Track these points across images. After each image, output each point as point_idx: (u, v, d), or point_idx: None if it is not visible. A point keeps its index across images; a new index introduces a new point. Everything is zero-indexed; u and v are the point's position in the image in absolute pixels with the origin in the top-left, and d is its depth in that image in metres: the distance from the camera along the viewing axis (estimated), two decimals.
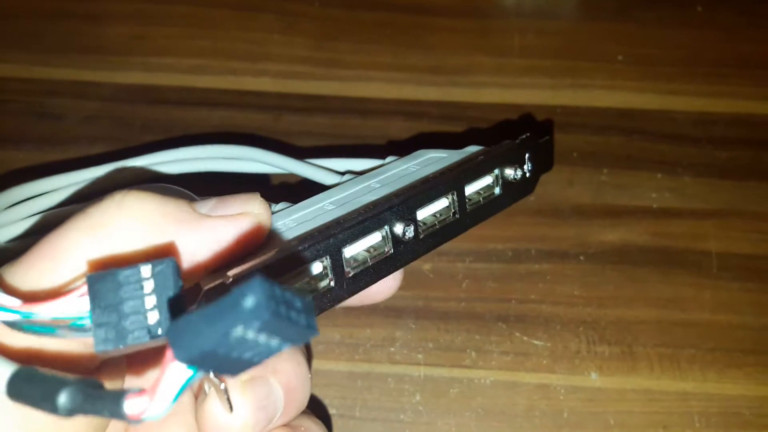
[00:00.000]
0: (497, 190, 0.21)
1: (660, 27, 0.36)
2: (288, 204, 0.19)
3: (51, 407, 0.11)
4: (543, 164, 0.23)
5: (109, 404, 0.11)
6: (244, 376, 0.15)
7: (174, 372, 0.11)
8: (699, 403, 0.26)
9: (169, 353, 0.11)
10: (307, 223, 0.17)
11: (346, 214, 0.17)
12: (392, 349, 0.27)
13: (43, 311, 0.12)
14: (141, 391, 0.11)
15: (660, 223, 0.30)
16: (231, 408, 0.15)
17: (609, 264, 0.29)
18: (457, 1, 0.37)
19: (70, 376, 0.11)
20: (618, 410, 0.26)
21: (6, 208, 0.24)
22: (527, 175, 0.22)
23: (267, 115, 0.32)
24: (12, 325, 0.13)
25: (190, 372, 0.12)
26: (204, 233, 0.15)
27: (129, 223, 0.14)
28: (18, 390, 0.11)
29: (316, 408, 0.25)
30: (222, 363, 0.11)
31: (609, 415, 0.26)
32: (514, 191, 0.21)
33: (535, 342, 0.27)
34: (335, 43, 0.35)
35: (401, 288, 0.27)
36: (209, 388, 0.15)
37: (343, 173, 0.25)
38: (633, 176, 0.31)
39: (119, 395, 0.11)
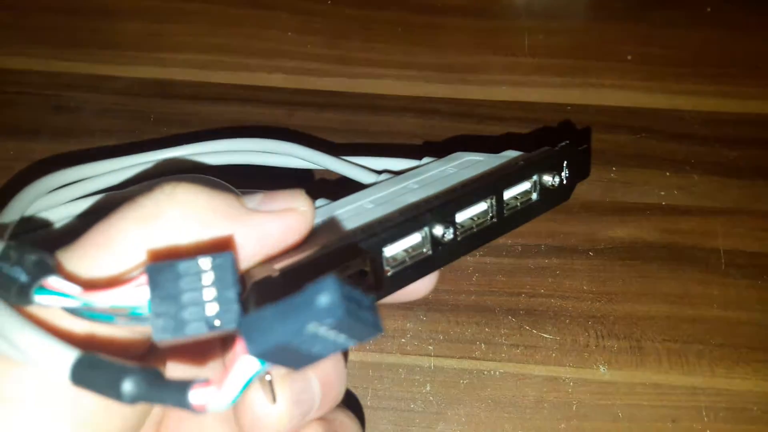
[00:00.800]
0: (534, 196, 0.21)
1: (669, 27, 0.36)
2: (327, 201, 0.19)
3: (115, 394, 0.11)
4: (580, 172, 0.23)
5: (174, 393, 0.11)
6: (284, 370, 0.15)
7: (244, 365, 0.12)
8: (707, 398, 0.26)
9: (239, 346, 0.11)
10: (347, 221, 0.18)
11: (387, 214, 0.18)
12: (403, 340, 0.27)
13: (103, 299, 0.13)
14: (207, 382, 0.11)
15: (669, 220, 0.30)
16: (274, 399, 0.15)
17: (618, 260, 0.29)
18: (468, 0, 0.37)
19: (131, 364, 0.11)
20: (626, 403, 0.26)
21: (50, 192, 0.25)
22: (564, 182, 0.22)
23: (280, 111, 0.33)
24: (73, 311, 0.13)
25: (257, 365, 0.12)
26: (251, 228, 0.15)
27: (180, 214, 0.14)
28: (82, 375, 0.12)
29: (349, 401, 0.26)
30: (290, 357, 0.11)
31: (617, 408, 0.26)
32: (550, 198, 0.21)
33: (545, 335, 0.27)
34: (347, 41, 0.35)
35: None
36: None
37: (380, 172, 0.25)
38: (642, 174, 0.31)
39: (185, 385, 0.11)
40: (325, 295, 0.10)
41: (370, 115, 0.33)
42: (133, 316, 0.13)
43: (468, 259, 0.29)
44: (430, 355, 0.27)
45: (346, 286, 0.10)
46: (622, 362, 0.27)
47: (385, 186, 0.20)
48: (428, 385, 0.26)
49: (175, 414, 0.17)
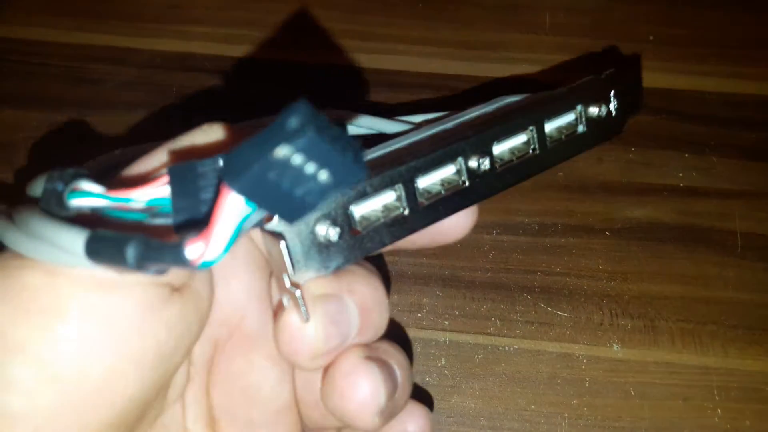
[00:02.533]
0: (581, 128, 0.20)
1: (692, 7, 0.36)
2: (364, 148, 0.19)
3: (122, 261, 0.12)
4: (631, 104, 0.21)
5: (171, 252, 0.12)
6: (319, 290, 0.16)
7: (229, 205, 0.12)
8: (719, 378, 0.27)
9: (223, 189, 0.12)
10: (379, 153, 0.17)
11: (419, 142, 0.17)
12: (419, 314, 0.28)
13: (127, 196, 0.13)
14: (199, 235, 0.12)
15: (686, 201, 0.30)
16: (307, 318, 0.15)
17: (634, 240, 0.29)
18: None
19: (133, 234, 0.12)
20: (639, 381, 0.26)
21: None
22: (613, 114, 0.20)
23: (301, 86, 0.33)
24: (101, 210, 0.13)
25: (244, 207, 0.12)
26: None
27: (209, 140, 0.15)
28: (94, 250, 0.12)
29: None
30: (276, 198, 0.11)
31: (630, 386, 0.26)
32: (599, 130, 0.20)
33: (559, 313, 0.28)
34: (368, 17, 0.35)
35: (428, 256, 0.28)
36: (288, 300, 0.15)
37: (419, 123, 0.24)
38: (661, 155, 0.31)
39: (179, 242, 0.12)
40: (295, 116, 0.10)
41: (390, 91, 0.33)
42: (162, 213, 0.13)
43: (484, 237, 0.29)
44: (446, 330, 0.27)
45: (321, 114, 0.10)
46: (635, 341, 0.27)
47: (422, 130, 0.19)
48: (443, 359, 0.27)
49: (224, 354, 0.17)
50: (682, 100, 0.33)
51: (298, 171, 0.11)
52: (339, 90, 0.33)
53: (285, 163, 0.10)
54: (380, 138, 0.24)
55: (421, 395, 0.26)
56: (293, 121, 0.10)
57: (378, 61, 0.34)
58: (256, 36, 0.34)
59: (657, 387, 0.26)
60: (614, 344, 0.27)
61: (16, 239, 0.13)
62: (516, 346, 0.27)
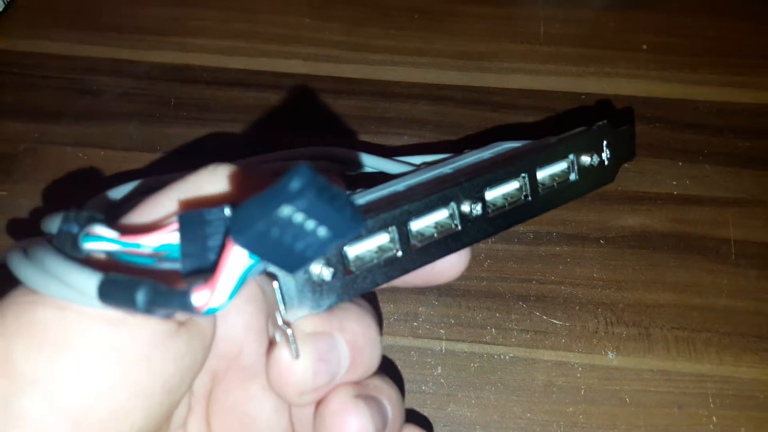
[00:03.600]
0: (573, 176, 0.20)
1: (686, 16, 0.36)
2: (362, 189, 0.20)
3: (132, 305, 0.12)
4: (624, 153, 0.22)
5: (179, 298, 0.12)
6: (309, 328, 0.16)
7: (234, 258, 0.13)
8: (714, 385, 0.27)
9: (229, 242, 0.12)
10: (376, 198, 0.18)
11: (413, 187, 0.18)
12: (415, 323, 0.28)
13: (138, 241, 0.14)
14: (205, 284, 0.13)
15: (680, 209, 0.30)
16: (297, 354, 0.16)
17: (628, 248, 0.29)
18: None
19: (144, 278, 0.13)
20: (634, 389, 0.27)
21: None
22: (605, 163, 0.21)
23: (297, 97, 0.33)
24: (113, 254, 0.14)
25: (248, 259, 0.13)
26: None
27: (218, 185, 0.16)
28: (106, 294, 0.13)
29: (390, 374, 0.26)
30: (277, 252, 0.12)
31: (625, 394, 0.27)
32: (591, 178, 0.21)
33: (554, 321, 0.28)
34: (365, 29, 0.36)
35: None
36: (280, 337, 0.16)
37: (419, 165, 0.26)
38: (654, 163, 0.32)
39: (187, 290, 0.12)
40: (297, 179, 0.11)
41: (386, 101, 0.33)
42: (169, 258, 0.14)
43: (480, 246, 0.29)
44: (442, 339, 0.27)
45: (320, 176, 0.11)
46: (630, 349, 0.27)
47: (420, 173, 0.20)
48: (439, 367, 0.27)
49: (223, 385, 0.18)
50: (675, 109, 0.33)
51: (299, 228, 0.11)
52: (336, 100, 0.33)
53: (287, 221, 0.11)
54: (383, 176, 0.25)
55: (418, 406, 0.26)
56: (295, 184, 0.11)
57: (374, 72, 0.34)
58: (252, 48, 0.34)
59: (652, 394, 0.27)
60: (609, 352, 0.27)
61: (30, 275, 0.14)
62: (511, 355, 0.27)
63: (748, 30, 0.36)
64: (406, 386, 0.27)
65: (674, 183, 0.31)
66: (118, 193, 0.25)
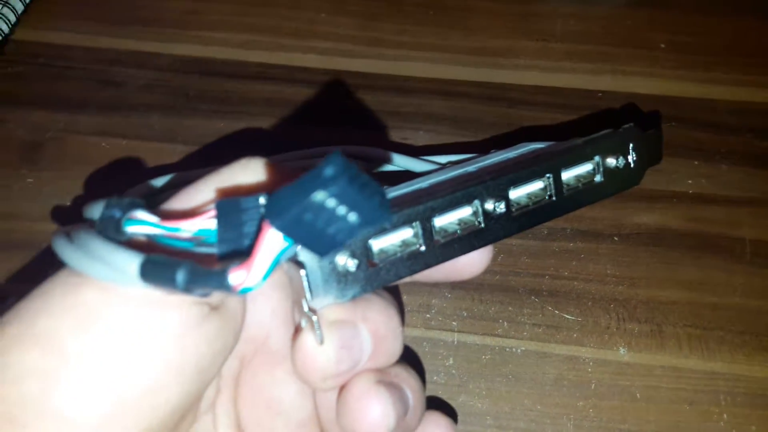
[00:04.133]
0: (598, 178, 0.21)
1: (703, 15, 0.36)
2: (388, 186, 0.20)
3: (172, 284, 0.13)
4: (650, 156, 0.22)
5: (216, 278, 0.13)
6: (334, 316, 0.17)
7: (269, 241, 0.13)
8: (726, 383, 0.27)
9: (265, 225, 0.13)
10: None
11: (438, 184, 0.18)
12: (428, 315, 0.28)
13: (179, 226, 0.15)
14: (242, 264, 0.13)
15: (695, 208, 0.30)
16: (321, 341, 0.16)
17: (642, 245, 0.29)
18: None
19: (183, 260, 0.13)
20: (645, 385, 0.27)
21: None
22: (631, 165, 0.21)
23: (314, 91, 0.34)
24: (156, 239, 0.15)
25: (283, 242, 0.13)
26: None
27: (251, 178, 0.17)
28: (147, 274, 0.14)
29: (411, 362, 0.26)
30: (310, 235, 0.13)
31: (636, 389, 0.27)
32: (617, 180, 0.21)
33: (567, 316, 0.28)
34: (380, 24, 0.36)
35: None
36: (305, 323, 0.17)
37: (444, 164, 0.26)
38: (670, 162, 0.32)
39: (224, 269, 0.13)
40: (330, 167, 0.12)
41: (401, 96, 0.33)
42: (206, 243, 0.15)
43: None
44: (454, 331, 0.28)
45: (352, 165, 0.12)
46: (642, 345, 0.27)
47: (445, 172, 0.20)
48: (451, 359, 0.27)
49: (250, 369, 0.19)
50: (692, 108, 0.33)
51: (331, 213, 0.12)
52: (351, 95, 0.33)
53: (320, 206, 0.12)
54: (408, 175, 0.25)
55: (430, 396, 0.27)
56: (329, 171, 0.12)
57: (390, 67, 0.34)
58: (270, 42, 0.35)
59: (663, 391, 0.27)
60: (621, 348, 0.27)
61: (76, 258, 0.15)
62: (523, 348, 0.27)
63: (764, 29, 0.35)
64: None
65: (690, 182, 0.31)
66: (156, 183, 0.26)
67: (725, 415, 0.26)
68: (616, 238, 0.30)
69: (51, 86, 0.33)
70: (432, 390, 0.27)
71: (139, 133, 0.32)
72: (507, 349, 0.27)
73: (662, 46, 0.35)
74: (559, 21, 0.36)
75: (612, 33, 0.35)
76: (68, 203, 0.30)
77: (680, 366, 0.27)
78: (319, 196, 0.12)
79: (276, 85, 0.34)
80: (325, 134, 0.32)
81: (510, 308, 0.28)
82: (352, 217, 0.12)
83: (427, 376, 0.27)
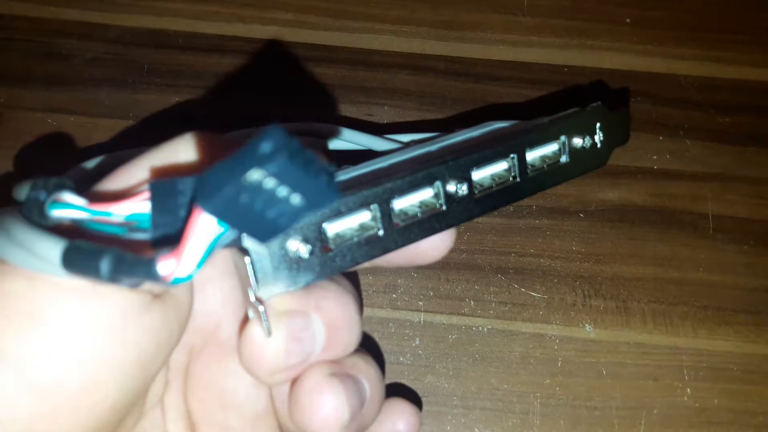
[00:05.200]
0: (564, 159, 0.20)
1: None
2: (348, 166, 0.19)
3: (96, 274, 0.12)
4: (617, 136, 0.21)
5: (144, 267, 0.12)
6: (283, 306, 0.16)
7: (201, 225, 0.12)
8: (689, 358, 0.27)
9: (196, 209, 0.12)
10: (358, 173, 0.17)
11: (397, 163, 0.17)
12: (394, 295, 0.27)
13: (108, 210, 0.14)
14: (171, 252, 0.12)
15: (660, 184, 0.30)
16: (269, 332, 0.15)
17: (608, 222, 0.29)
18: None
19: (109, 247, 0.12)
20: (610, 361, 0.27)
21: None
22: (598, 145, 0.21)
23: (275, 64, 0.32)
24: (83, 224, 0.14)
25: (217, 227, 0.12)
26: None
27: (193, 153, 0.15)
28: (70, 262, 0.12)
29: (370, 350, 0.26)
30: (248, 219, 0.11)
31: (602, 366, 0.27)
32: (583, 161, 0.20)
33: (533, 294, 0.28)
34: None
35: None
36: (252, 314, 0.16)
37: (407, 143, 0.25)
38: (635, 137, 0.31)
39: (152, 258, 0.12)
40: (267, 140, 0.10)
41: (366, 70, 0.32)
42: (139, 228, 0.14)
43: None
44: (420, 311, 0.27)
45: (293, 138, 0.10)
46: (607, 322, 0.27)
47: (406, 151, 0.19)
48: (417, 339, 0.27)
49: (200, 360, 0.18)
50: (657, 84, 0.33)
51: (270, 194, 0.11)
52: (315, 68, 0.32)
53: (257, 187, 0.11)
54: (369, 154, 0.24)
55: (396, 377, 0.26)
56: (265, 146, 0.10)
57: (355, 40, 0.33)
58: (228, 13, 0.33)
59: (628, 367, 0.27)
60: (587, 325, 0.27)
61: None
62: (490, 327, 0.27)
63: (730, 6, 0.35)
64: (385, 357, 0.26)
65: (654, 157, 0.31)
66: (93, 164, 0.24)
67: (689, 390, 0.26)
68: (581, 215, 0.30)
69: None
70: (398, 371, 0.26)
71: (89, 109, 0.30)
72: (473, 328, 0.27)
73: (628, 20, 0.35)
74: None
75: (580, 7, 0.35)
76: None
77: (645, 342, 0.27)
78: (255, 175, 0.10)
79: (234, 58, 0.32)
80: (285, 109, 0.31)
81: (476, 287, 0.28)
82: (295, 199, 0.11)
83: (394, 357, 0.26)
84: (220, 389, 0.18)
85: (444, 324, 0.27)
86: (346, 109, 0.31)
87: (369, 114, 0.31)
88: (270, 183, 0.11)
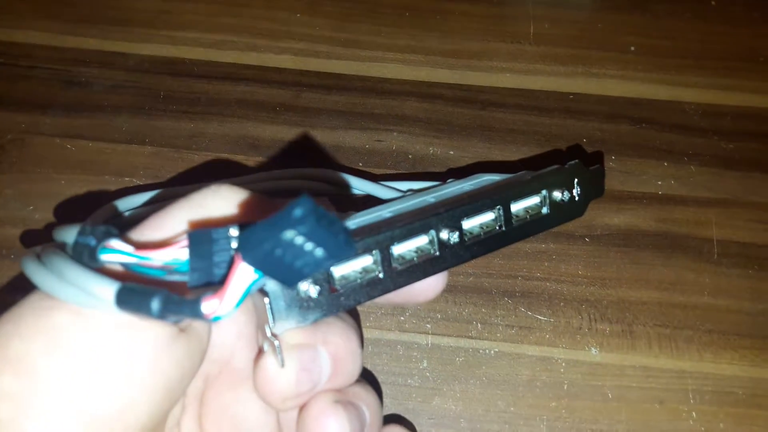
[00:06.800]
0: (545, 210, 0.22)
1: (673, 19, 0.36)
2: (352, 212, 0.21)
3: (147, 312, 0.14)
4: (594, 190, 0.23)
5: (190, 306, 0.14)
6: (295, 340, 0.18)
7: (241, 273, 0.14)
8: (694, 381, 0.27)
9: (237, 259, 0.14)
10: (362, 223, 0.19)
11: (397, 215, 0.19)
12: (402, 318, 0.28)
13: (152, 256, 0.16)
14: (214, 294, 0.14)
15: (664, 209, 0.31)
16: (282, 363, 0.17)
17: (613, 246, 0.30)
18: None
19: (158, 288, 0.14)
20: (616, 384, 0.27)
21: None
22: (576, 198, 0.23)
23: (287, 92, 0.33)
24: (129, 267, 0.16)
25: (253, 275, 0.14)
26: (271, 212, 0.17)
27: (220, 205, 0.17)
28: (123, 301, 0.14)
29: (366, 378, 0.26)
30: (279, 268, 0.14)
31: (607, 389, 0.27)
32: (562, 212, 0.22)
33: (539, 317, 0.28)
34: (355, 25, 0.36)
35: None
36: (267, 347, 0.18)
37: (405, 191, 0.28)
38: (640, 163, 0.32)
39: (197, 298, 0.14)
40: (299, 207, 0.13)
41: (376, 98, 0.33)
42: (178, 271, 0.16)
43: None
44: (428, 333, 0.28)
45: (319, 206, 0.13)
46: (613, 345, 0.28)
47: (405, 200, 0.22)
48: (425, 361, 0.27)
49: (215, 388, 0.19)
50: (661, 111, 0.34)
51: (299, 248, 0.13)
52: (326, 96, 0.33)
53: (289, 243, 0.13)
54: (371, 199, 0.28)
55: (404, 399, 0.27)
56: (298, 212, 0.13)
57: (364, 68, 0.34)
58: (243, 42, 0.34)
59: (634, 390, 0.27)
60: (593, 348, 0.28)
61: (49, 282, 0.15)
62: (497, 349, 0.27)
63: (733, 34, 0.36)
64: (392, 379, 0.27)
65: (659, 183, 0.32)
66: (123, 204, 0.27)
67: (694, 413, 0.27)
68: (587, 239, 0.30)
69: (11, 86, 0.33)
70: (406, 393, 0.27)
71: (106, 135, 0.31)
72: (480, 351, 0.27)
73: (632, 48, 0.35)
74: (532, 24, 0.36)
75: (585, 36, 0.36)
76: (30, 208, 0.29)
77: (650, 365, 0.27)
78: (289, 234, 0.13)
79: (248, 86, 0.33)
80: (297, 135, 0.32)
81: (483, 310, 0.28)
82: (319, 252, 0.13)
83: (401, 380, 0.27)
84: (232, 414, 0.19)
85: (451, 346, 0.27)
86: (356, 136, 0.32)
87: (378, 140, 0.32)
88: (300, 240, 0.13)
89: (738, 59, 0.35)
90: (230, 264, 0.15)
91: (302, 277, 0.14)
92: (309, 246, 0.13)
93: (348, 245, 0.13)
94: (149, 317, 0.14)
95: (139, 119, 0.32)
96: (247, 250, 0.14)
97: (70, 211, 0.29)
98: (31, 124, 0.32)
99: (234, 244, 0.15)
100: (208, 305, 0.14)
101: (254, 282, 0.14)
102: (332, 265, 0.17)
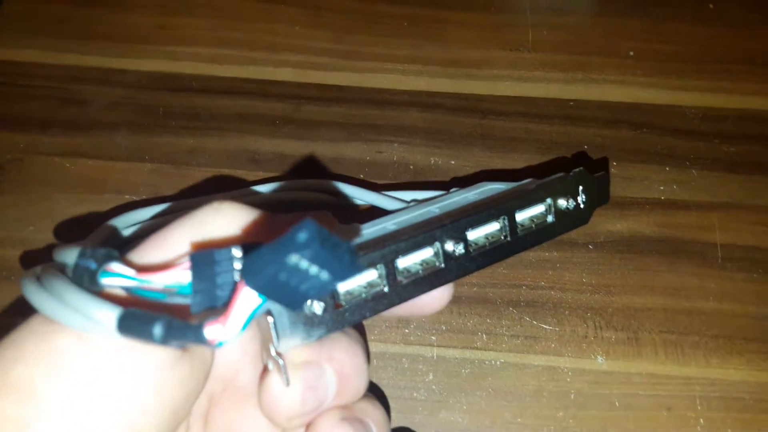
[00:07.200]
0: (550, 218, 0.22)
1: (672, 23, 0.36)
2: (356, 224, 0.21)
3: (150, 337, 0.14)
4: (598, 197, 0.23)
5: (193, 332, 0.14)
6: (299, 358, 0.17)
7: (245, 298, 0.14)
8: (701, 388, 0.27)
9: (240, 284, 0.14)
10: (368, 237, 0.19)
11: (401, 229, 0.19)
12: (406, 330, 0.28)
13: (153, 279, 0.15)
14: (217, 319, 0.14)
15: (667, 214, 0.31)
16: (287, 382, 0.17)
17: (617, 253, 0.30)
18: None
19: (160, 314, 0.14)
20: (623, 392, 0.27)
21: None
22: (581, 206, 0.23)
23: (287, 105, 0.33)
24: (131, 290, 0.15)
25: (257, 299, 0.14)
26: (277, 231, 0.17)
27: (223, 222, 0.17)
28: (125, 326, 0.14)
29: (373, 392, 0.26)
30: (284, 292, 0.13)
31: (614, 397, 0.27)
32: (567, 220, 0.22)
33: (544, 326, 0.28)
34: (354, 36, 0.36)
35: None
36: (272, 366, 0.17)
37: (409, 202, 0.27)
38: (642, 169, 0.32)
39: (200, 324, 0.14)
40: (304, 231, 0.12)
41: (376, 109, 0.33)
42: (180, 294, 0.15)
43: None
44: (433, 345, 0.28)
45: (323, 228, 0.13)
46: (619, 353, 0.28)
47: (409, 211, 0.21)
48: (431, 374, 0.27)
49: (219, 406, 0.19)
50: (662, 115, 0.34)
51: (304, 272, 0.13)
52: (326, 108, 0.33)
53: (294, 267, 0.13)
54: (374, 210, 0.27)
55: (410, 412, 0.26)
56: (302, 236, 0.12)
57: (364, 79, 0.34)
58: (242, 56, 0.34)
59: (641, 398, 0.27)
60: (599, 356, 0.28)
61: (50, 307, 0.15)
62: (502, 360, 0.27)
63: (733, 36, 0.36)
64: (398, 393, 0.27)
65: (662, 188, 0.31)
66: (120, 222, 0.27)
67: (702, 420, 0.27)
68: (590, 247, 0.30)
69: (10, 106, 0.32)
70: (412, 406, 0.26)
71: (106, 153, 0.31)
72: (486, 362, 0.27)
73: (631, 53, 0.35)
74: (531, 31, 0.36)
75: (583, 42, 0.36)
76: (31, 228, 0.29)
77: (657, 372, 0.27)
78: (293, 259, 0.12)
79: (248, 100, 0.33)
80: (298, 148, 0.32)
81: (488, 320, 0.28)
82: (324, 275, 0.13)
83: (407, 393, 0.27)
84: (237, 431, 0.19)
85: (457, 358, 0.27)
86: (357, 147, 0.32)
87: (379, 151, 0.32)
88: (304, 264, 0.13)
89: (737, 62, 0.35)
90: (233, 286, 0.15)
91: (307, 299, 0.14)
92: (314, 269, 0.13)
93: (353, 266, 0.13)
94: (152, 342, 0.14)
95: (138, 136, 0.32)
96: (250, 275, 0.14)
97: (71, 230, 0.29)
98: (29, 143, 0.31)
99: (237, 265, 0.15)
100: (212, 331, 0.14)
101: (258, 307, 0.14)
102: (336, 285, 0.17)
